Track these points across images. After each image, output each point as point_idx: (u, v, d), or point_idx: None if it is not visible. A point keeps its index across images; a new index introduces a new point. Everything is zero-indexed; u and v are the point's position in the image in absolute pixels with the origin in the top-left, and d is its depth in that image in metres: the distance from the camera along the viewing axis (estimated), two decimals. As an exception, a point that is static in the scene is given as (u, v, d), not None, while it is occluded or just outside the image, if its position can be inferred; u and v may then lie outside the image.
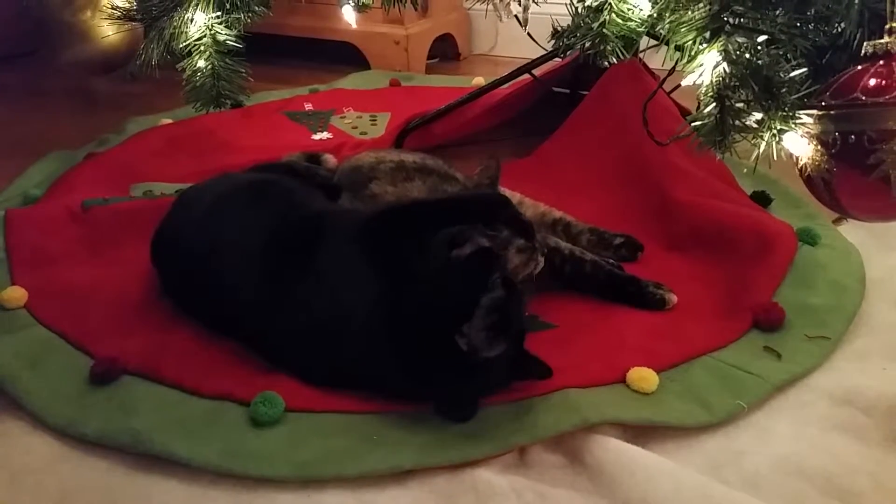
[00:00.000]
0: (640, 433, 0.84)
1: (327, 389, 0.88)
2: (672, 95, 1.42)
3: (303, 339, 0.89)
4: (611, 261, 1.11)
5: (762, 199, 1.31)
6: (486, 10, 1.00)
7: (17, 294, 1.06)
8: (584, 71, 1.55)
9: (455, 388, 0.84)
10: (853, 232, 1.19)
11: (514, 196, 1.17)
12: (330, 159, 1.38)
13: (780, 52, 0.71)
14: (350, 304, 0.87)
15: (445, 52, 2.44)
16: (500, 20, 1.21)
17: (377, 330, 0.84)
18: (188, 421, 0.84)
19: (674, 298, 1.05)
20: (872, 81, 0.73)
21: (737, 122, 0.70)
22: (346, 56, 2.25)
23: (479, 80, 1.98)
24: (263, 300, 0.91)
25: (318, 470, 0.78)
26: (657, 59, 1.21)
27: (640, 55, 1.39)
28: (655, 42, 1.33)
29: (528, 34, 1.20)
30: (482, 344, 0.80)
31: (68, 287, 1.09)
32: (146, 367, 0.92)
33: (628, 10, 0.80)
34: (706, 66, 0.70)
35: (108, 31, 1.35)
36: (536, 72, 1.50)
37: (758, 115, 0.70)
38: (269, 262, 0.93)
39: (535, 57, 1.48)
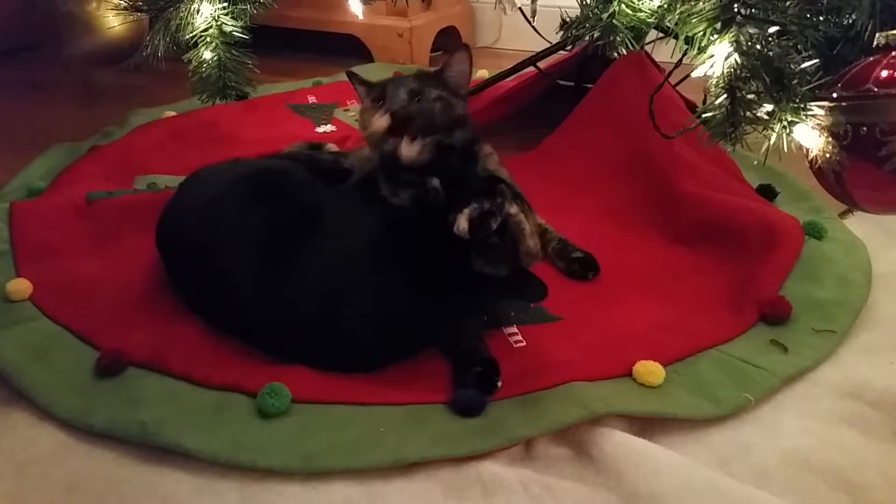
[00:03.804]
0: (647, 426, 0.84)
1: (334, 379, 0.88)
2: (677, 88, 1.41)
3: (309, 318, 0.89)
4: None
5: (768, 192, 1.31)
6: (495, 4, 0.99)
7: (22, 286, 1.06)
8: (589, 64, 1.54)
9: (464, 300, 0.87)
10: (859, 226, 1.19)
11: None
12: (332, 148, 1.38)
13: (791, 44, 0.71)
14: (356, 246, 0.90)
15: (449, 44, 2.43)
16: (505, 12, 1.21)
17: (383, 263, 0.87)
18: (195, 412, 0.84)
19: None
20: (885, 73, 0.72)
21: (747, 114, 0.69)
22: (350, 48, 2.25)
23: (483, 73, 1.97)
24: (266, 286, 0.91)
25: (325, 461, 0.78)
26: (663, 52, 1.20)
27: (647, 48, 1.39)
28: (661, 35, 1.33)
29: (533, 27, 1.19)
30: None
31: (73, 279, 1.09)
32: (152, 358, 0.91)
33: (638, 0, 0.79)
34: (717, 58, 0.70)
35: (114, 23, 1.35)
36: (541, 64, 1.49)
37: (768, 107, 0.70)
38: (272, 249, 0.93)
39: (539, 50, 1.47)
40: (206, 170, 1.11)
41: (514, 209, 0.87)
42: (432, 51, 2.32)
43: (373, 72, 2.11)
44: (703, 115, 0.74)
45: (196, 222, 1.00)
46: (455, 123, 1.04)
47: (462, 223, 0.81)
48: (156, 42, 1.01)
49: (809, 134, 0.73)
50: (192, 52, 1.01)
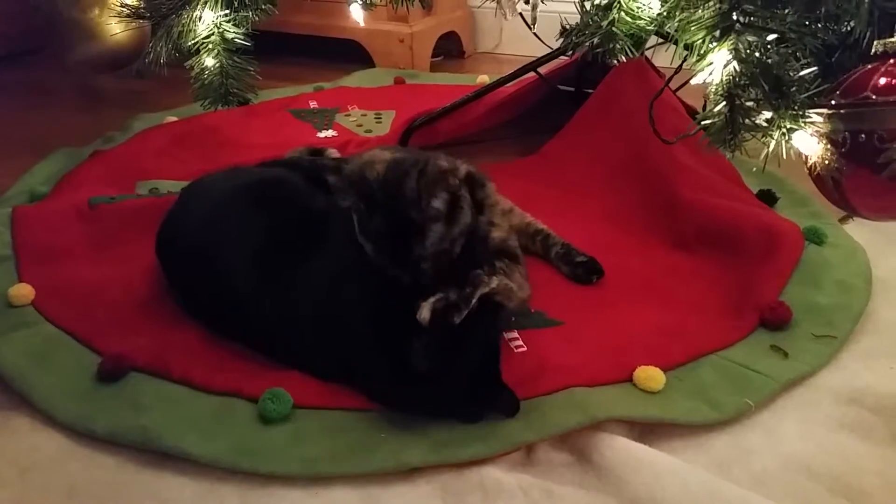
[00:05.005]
0: (647, 432, 0.84)
1: (335, 385, 0.88)
2: (678, 94, 1.41)
3: (307, 329, 0.89)
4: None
5: (768, 197, 1.31)
6: (496, 10, 1.00)
7: (24, 291, 1.06)
8: (589, 69, 1.55)
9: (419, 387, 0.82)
10: (859, 231, 1.20)
11: (506, 204, 1.18)
12: (333, 154, 1.38)
13: (790, 51, 0.71)
14: (349, 294, 0.88)
15: (450, 50, 2.44)
16: (505, 18, 1.21)
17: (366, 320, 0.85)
18: (197, 417, 0.84)
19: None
20: (883, 80, 0.72)
21: (747, 121, 0.70)
22: (351, 54, 2.25)
23: (484, 78, 1.98)
24: (265, 295, 0.91)
25: (326, 467, 0.78)
26: (663, 58, 1.21)
27: (647, 53, 1.39)
28: (661, 40, 1.33)
29: (534, 33, 1.20)
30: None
31: (75, 284, 1.10)
32: (154, 364, 0.92)
33: (638, 8, 0.80)
34: (716, 65, 0.70)
35: (116, 29, 1.35)
36: (541, 70, 1.49)
37: (767, 114, 0.70)
38: (272, 259, 0.93)
39: (539, 55, 1.48)
40: (207, 178, 1.12)
41: (494, 283, 0.85)
42: (433, 56, 2.33)
43: (374, 76, 2.12)
44: (703, 122, 0.74)
45: (197, 230, 1.01)
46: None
47: (425, 312, 0.80)
48: (158, 49, 1.01)
49: (808, 141, 0.74)
50: (194, 58, 1.02)
